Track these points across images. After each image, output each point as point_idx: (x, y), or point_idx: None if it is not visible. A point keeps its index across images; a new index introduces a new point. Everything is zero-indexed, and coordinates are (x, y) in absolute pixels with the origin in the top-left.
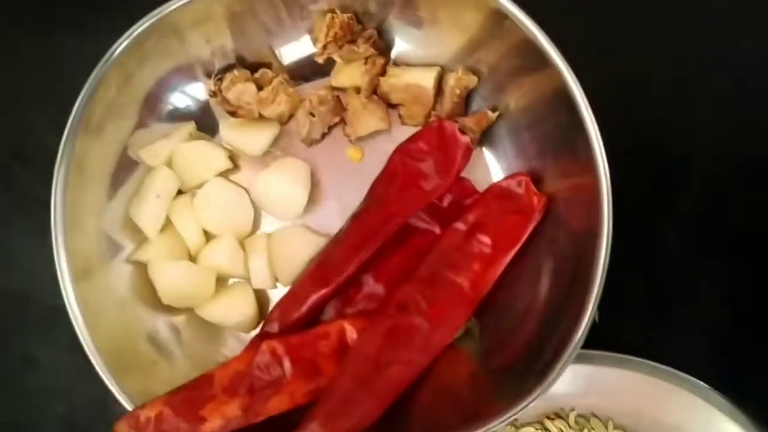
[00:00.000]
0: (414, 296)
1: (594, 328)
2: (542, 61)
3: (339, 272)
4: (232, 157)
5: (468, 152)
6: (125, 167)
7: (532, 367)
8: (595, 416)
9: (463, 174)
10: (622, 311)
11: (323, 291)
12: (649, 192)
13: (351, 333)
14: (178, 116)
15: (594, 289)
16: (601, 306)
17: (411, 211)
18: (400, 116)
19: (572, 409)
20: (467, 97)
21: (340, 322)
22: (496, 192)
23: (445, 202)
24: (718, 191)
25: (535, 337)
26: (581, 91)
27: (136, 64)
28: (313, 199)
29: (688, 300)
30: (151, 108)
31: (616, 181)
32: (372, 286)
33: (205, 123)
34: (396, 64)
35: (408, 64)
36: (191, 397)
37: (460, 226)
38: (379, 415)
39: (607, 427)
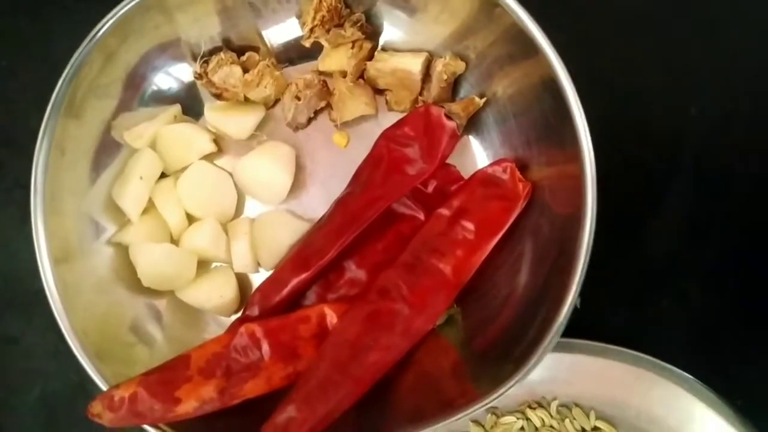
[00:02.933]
0: (396, 282)
1: (577, 316)
2: (531, 48)
3: (320, 256)
4: (217, 141)
5: (454, 137)
6: (109, 149)
7: (512, 352)
8: (578, 406)
9: (450, 162)
10: (606, 301)
11: (304, 275)
12: (639, 182)
13: (331, 317)
14: (163, 98)
15: (576, 275)
16: (584, 293)
17: (395, 196)
18: (387, 102)
19: (554, 399)
20: (455, 84)
21: (320, 306)
22: (481, 178)
23: (431, 189)
24: (707, 182)
25: (516, 323)
26: (569, 79)
27: (120, 43)
28: (297, 184)
29: (673, 291)
30: (135, 89)
31: (603, 170)
32: (354, 271)
33: (190, 106)
34: (384, 49)
35: (396, 50)
36: (167, 378)
37: (444, 212)
38: (356, 399)
39: (588, 417)
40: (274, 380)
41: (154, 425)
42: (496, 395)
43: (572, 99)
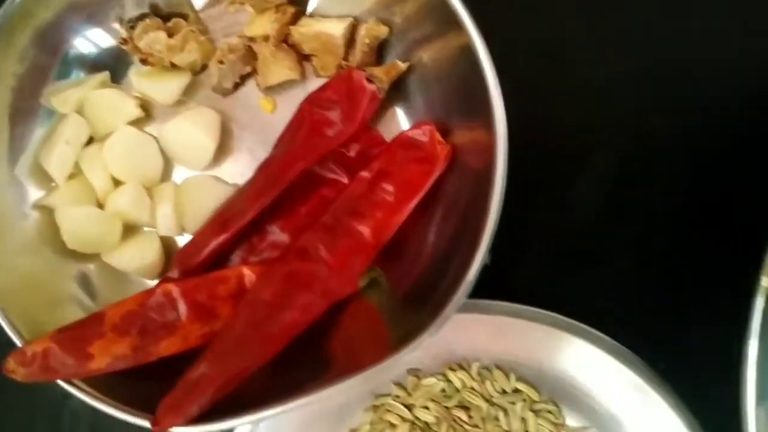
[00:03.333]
0: (314, 243)
1: (498, 279)
2: (451, 17)
3: (239, 218)
4: (146, 107)
5: (374, 100)
6: (35, 114)
7: (424, 309)
8: (498, 367)
9: (377, 129)
10: (527, 263)
11: (223, 237)
12: (562, 144)
13: (250, 278)
14: (89, 64)
15: (484, 232)
16: (495, 252)
17: (313, 157)
18: (313, 68)
19: (476, 361)
20: (382, 51)
21: (239, 267)
22: (402, 141)
23: (353, 152)
24: (631, 142)
25: (429, 280)
26: (485, 48)
27: (42, 7)
28: (224, 149)
29: (596, 254)
30: (55, 53)
31: (526, 134)
32: (278, 235)
33: (119, 71)
34: (311, 16)
35: (324, 17)
36: (80, 334)
37: (365, 174)
38: (269, 358)
39: (509, 379)
40: (190, 339)
41: (68, 381)
42: (406, 350)
43: (486, 66)
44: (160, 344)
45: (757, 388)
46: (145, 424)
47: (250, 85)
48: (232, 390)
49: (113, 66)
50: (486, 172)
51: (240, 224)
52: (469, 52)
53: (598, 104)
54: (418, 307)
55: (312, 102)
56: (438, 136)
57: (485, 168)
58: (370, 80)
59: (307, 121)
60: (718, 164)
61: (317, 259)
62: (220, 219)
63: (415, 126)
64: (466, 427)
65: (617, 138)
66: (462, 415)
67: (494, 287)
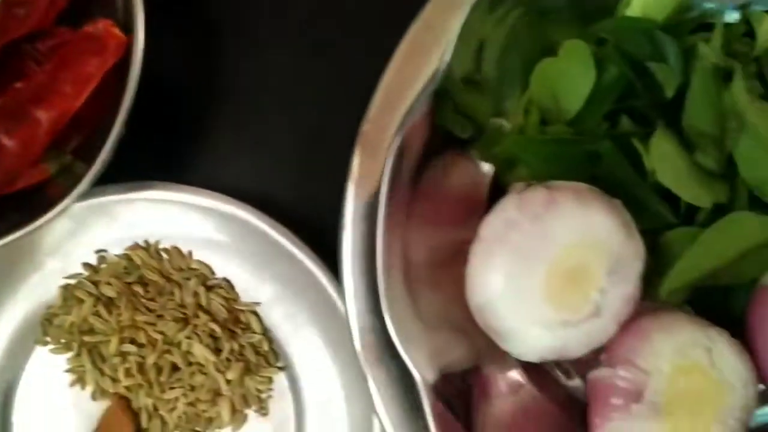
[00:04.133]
0: None
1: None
2: None
3: None
4: None
5: None
6: None
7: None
8: (176, 247)
9: None
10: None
11: None
12: None
13: None
14: None
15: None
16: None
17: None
18: None
19: (156, 241)
20: None
21: None
22: (82, 35)
23: (45, 47)
24: None
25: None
26: None
27: None
28: None
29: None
30: None
31: None
32: None
33: None
34: None
35: None
36: None
37: (48, 68)
38: None
39: (185, 257)
40: None
41: None
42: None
43: None
44: None
45: None
46: None
47: None
48: None
49: None
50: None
51: None
52: None
53: None
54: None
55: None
56: (114, 30)
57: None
58: None
59: None
60: None
61: None
62: None
63: (95, 21)
64: (143, 300)
65: None
66: (140, 290)
67: (178, 172)
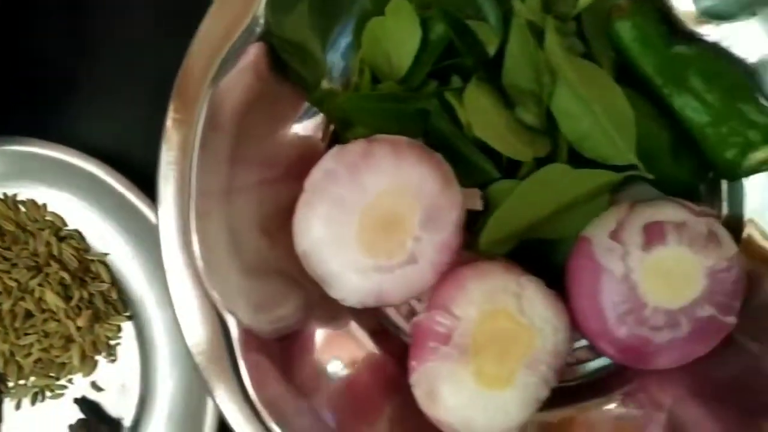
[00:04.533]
0: None
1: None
2: None
3: None
4: None
5: None
6: None
7: None
8: (32, 200)
9: None
10: None
11: None
12: None
13: None
14: None
15: None
16: None
17: None
18: None
19: (15, 194)
20: None
21: None
22: None
23: None
24: None
25: None
26: None
27: None
28: None
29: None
30: None
31: None
32: None
33: None
34: None
35: None
36: None
37: None
38: None
39: (40, 209)
40: None
41: None
42: None
43: None
44: None
45: None
46: None
47: None
48: None
49: None
50: None
51: None
52: None
53: None
54: None
55: None
56: None
57: None
58: None
59: None
60: None
61: None
62: None
63: None
64: None
65: None
66: None
67: (40, 129)
